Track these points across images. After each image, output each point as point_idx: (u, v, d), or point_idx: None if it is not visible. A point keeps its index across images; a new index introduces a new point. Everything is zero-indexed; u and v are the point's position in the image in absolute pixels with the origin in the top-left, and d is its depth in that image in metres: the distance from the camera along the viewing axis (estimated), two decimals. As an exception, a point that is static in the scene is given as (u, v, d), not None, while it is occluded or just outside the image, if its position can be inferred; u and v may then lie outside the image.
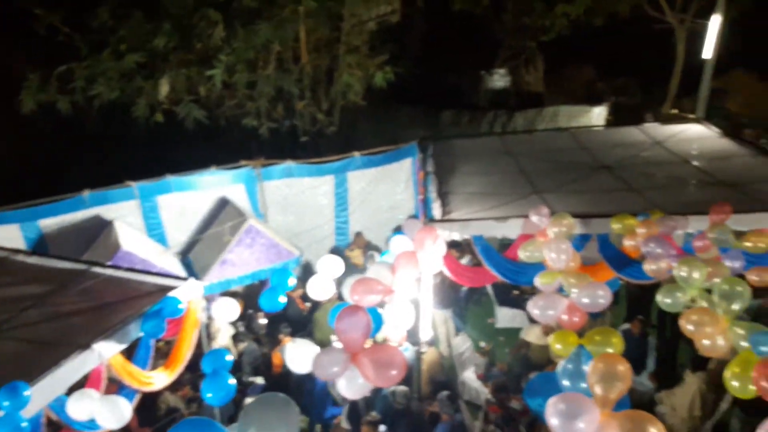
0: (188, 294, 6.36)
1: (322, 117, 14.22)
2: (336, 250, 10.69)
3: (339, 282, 7.81)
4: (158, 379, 6.13)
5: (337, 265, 7.63)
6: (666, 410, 8.14)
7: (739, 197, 7.75)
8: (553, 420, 3.81)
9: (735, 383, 4.31)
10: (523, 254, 6.94)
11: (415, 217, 10.67)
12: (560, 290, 6.25)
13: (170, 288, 6.27)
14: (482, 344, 9.32)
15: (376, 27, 15.08)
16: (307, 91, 13.76)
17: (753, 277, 6.50)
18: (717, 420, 7.75)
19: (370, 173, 10.82)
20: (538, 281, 6.50)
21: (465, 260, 9.95)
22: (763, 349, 4.33)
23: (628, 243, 6.85)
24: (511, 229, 7.53)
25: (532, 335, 8.59)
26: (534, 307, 5.80)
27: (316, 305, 9.30)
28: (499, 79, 18.19)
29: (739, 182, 8.23)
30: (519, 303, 10.18)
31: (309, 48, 12.95)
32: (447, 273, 7.81)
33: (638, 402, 8.19)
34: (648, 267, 6.53)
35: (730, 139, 9.99)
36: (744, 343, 4.51)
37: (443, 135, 13.53)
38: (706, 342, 4.88)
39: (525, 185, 8.59)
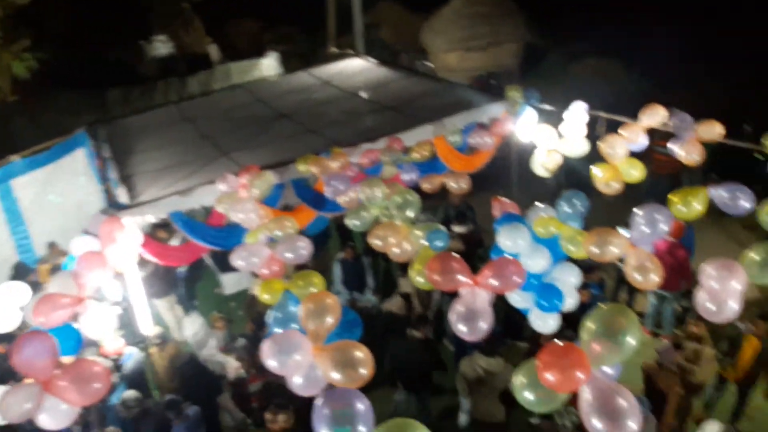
0: None
1: (-42, 124, 11.99)
2: (21, 269, 9.30)
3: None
4: None
5: (22, 289, 6.61)
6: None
7: (402, 117, 8.64)
8: (270, 362, 3.84)
9: (420, 279, 4.86)
10: (221, 208, 6.79)
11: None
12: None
13: None
14: (214, 315, 9.10)
15: (2, 13, 13.02)
16: (-74, 98, 11.43)
17: (426, 185, 7.35)
18: (435, 309, 8.75)
19: (40, 175, 9.46)
20: (247, 242, 6.47)
21: (177, 240, 9.50)
22: (438, 244, 4.95)
23: (314, 170, 7.13)
24: (208, 195, 7.32)
25: (256, 287, 8.65)
26: (237, 258, 5.73)
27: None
28: (162, 46, 17.24)
29: (400, 104, 9.14)
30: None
31: None
32: (153, 259, 7.37)
33: (368, 317, 8.89)
34: (342, 200, 6.92)
35: (387, 67, 10.99)
36: (424, 242, 5.11)
37: (114, 115, 12.51)
38: (395, 250, 5.37)
39: (211, 149, 8.41)
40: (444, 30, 16.73)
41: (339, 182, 6.65)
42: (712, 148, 10.32)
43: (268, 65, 16.24)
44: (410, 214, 5.35)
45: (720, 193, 5.23)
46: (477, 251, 9.02)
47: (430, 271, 4.36)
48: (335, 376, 3.60)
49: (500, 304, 6.47)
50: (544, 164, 7.80)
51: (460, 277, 4.26)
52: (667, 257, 7.84)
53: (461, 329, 4.18)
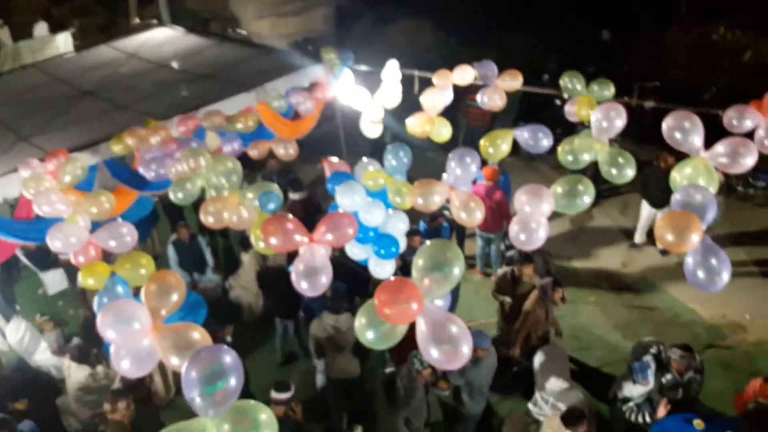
0: None
1: None
2: None
3: None
4: None
5: None
6: (239, 292, 8.81)
7: (220, 85, 8.36)
8: (107, 333, 3.66)
9: (261, 244, 4.82)
10: (29, 193, 6.15)
11: None
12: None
13: None
14: (38, 318, 8.35)
15: None
16: None
17: (253, 151, 7.20)
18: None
19: None
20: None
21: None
22: (270, 206, 4.92)
23: (130, 142, 6.71)
24: (10, 187, 6.60)
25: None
26: (53, 239, 5.25)
27: None
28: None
29: (216, 72, 8.83)
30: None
31: None
32: (-46, 265, 6.54)
33: (212, 296, 8.67)
34: (171, 175, 6.55)
35: (196, 35, 10.53)
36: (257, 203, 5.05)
37: None
38: (234, 220, 5.24)
39: (7, 136, 7.59)
40: (253, -5, 16.25)
41: (156, 162, 6.28)
42: (519, 99, 11.34)
43: (65, 41, 14.77)
44: (234, 179, 5.23)
45: (523, 134, 5.76)
46: (317, 216, 9.10)
47: (265, 234, 4.34)
48: (173, 360, 3.50)
49: (344, 262, 6.70)
50: (370, 120, 7.95)
51: (296, 237, 4.30)
52: (486, 200, 8.46)
53: (303, 286, 4.24)
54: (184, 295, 4.05)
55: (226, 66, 8.99)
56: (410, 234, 7.55)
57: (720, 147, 4.55)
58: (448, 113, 7.45)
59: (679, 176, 4.56)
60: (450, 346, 3.25)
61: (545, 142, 5.72)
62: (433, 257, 3.35)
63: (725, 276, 3.67)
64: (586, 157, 4.99)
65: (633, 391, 6.10)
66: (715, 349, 7.83)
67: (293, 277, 4.26)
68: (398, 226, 5.74)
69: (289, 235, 4.28)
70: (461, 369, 6.16)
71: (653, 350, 6.31)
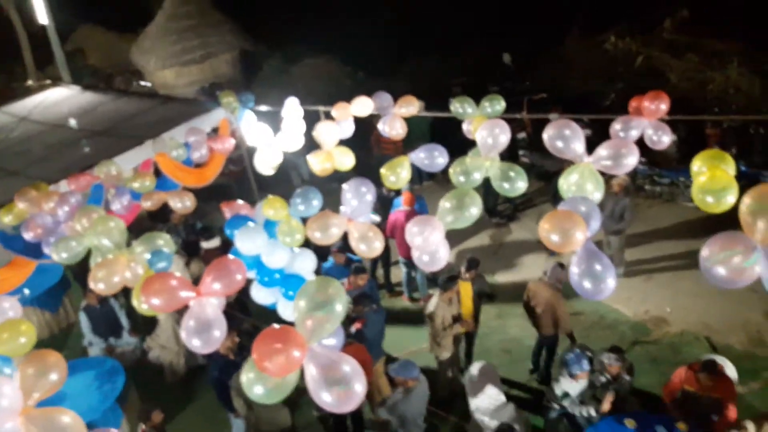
0: None
1: None
2: None
3: None
4: None
5: None
6: (158, 352, 8.43)
7: (117, 140, 8.10)
8: None
9: (144, 306, 4.51)
10: None
11: None
12: None
13: None
14: None
15: None
16: None
17: (146, 203, 6.91)
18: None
19: None
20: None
21: None
22: (160, 266, 4.66)
23: (22, 206, 6.35)
24: None
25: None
26: None
27: None
28: None
29: (113, 127, 8.59)
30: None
31: None
32: None
33: (131, 360, 8.27)
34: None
35: (92, 92, 10.23)
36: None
37: None
38: (128, 277, 4.91)
39: None
40: (154, 48, 16.05)
41: (44, 229, 5.95)
42: (429, 125, 11.45)
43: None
44: (119, 239, 4.94)
45: (419, 155, 5.74)
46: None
47: (146, 295, 4.03)
48: None
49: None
50: (267, 161, 7.80)
51: (182, 293, 4.03)
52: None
53: (195, 344, 3.98)
54: (64, 377, 3.82)
55: (122, 120, 8.76)
56: (357, 272, 7.39)
57: (602, 151, 4.57)
58: (363, 144, 7.36)
59: (566, 184, 4.56)
60: (343, 387, 3.09)
61: (440, 159, 5.72)
62: (315, 296, 3.20)
63: (611, 282, 3.65)
64: (477, 176, 4.95)
65: (570, 387, 6.09)
66: (641, 344, 8.02)
67: (183, 335, 4.00)
68: (305, 266, 5.58)
69: (173, 293, 4.00)
70: (392, 404, 6.04)
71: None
